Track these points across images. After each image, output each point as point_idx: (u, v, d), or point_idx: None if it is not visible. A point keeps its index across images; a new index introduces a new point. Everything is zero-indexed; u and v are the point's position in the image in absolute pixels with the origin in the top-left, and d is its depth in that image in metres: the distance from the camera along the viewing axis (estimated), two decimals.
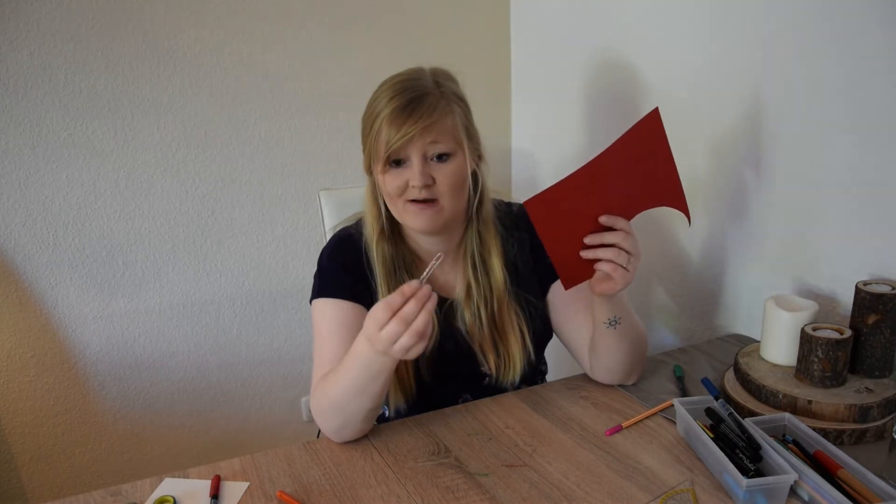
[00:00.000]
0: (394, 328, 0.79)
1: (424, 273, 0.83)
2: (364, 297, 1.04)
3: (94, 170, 1.55)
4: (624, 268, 0.90)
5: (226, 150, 1.68)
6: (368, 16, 1.75)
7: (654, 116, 0.87)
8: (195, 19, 1.57)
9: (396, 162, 0.97)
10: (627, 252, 0.89)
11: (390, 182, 0.98)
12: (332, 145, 1.80)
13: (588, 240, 0.90)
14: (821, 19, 1.11)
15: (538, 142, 1.96)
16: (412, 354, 0.81)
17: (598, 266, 0.91)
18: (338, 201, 1.38)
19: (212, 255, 1.73)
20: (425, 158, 0.97)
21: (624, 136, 0.86)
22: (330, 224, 1.37)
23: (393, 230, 1.07)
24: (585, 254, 0.90)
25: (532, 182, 1.99)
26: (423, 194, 0.97)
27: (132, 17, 1.51)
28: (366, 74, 1.74)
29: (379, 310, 0.80)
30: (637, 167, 0.89)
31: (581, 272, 0.94)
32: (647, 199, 0.93)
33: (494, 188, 1.11)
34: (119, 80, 1.53)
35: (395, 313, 0.79)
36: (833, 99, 1.11)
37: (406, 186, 0.97)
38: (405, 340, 0.79)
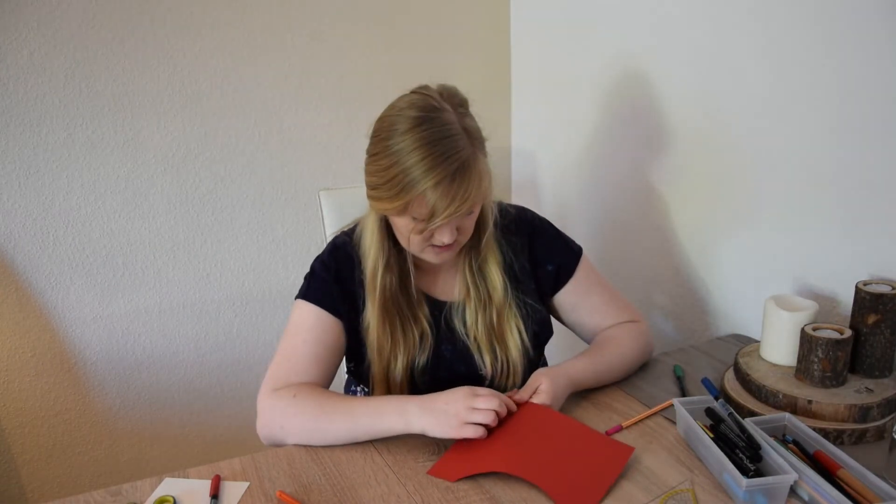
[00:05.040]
0: (492, 402, 0.90)
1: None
2: (347, 313, 1.05)
3: (94, 170, 1.55)
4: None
5: (226, 150, 1.68)
6: (368, 16, 1.75)
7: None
8: (195, 19, 1.57)
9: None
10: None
11: (416, 235, 0.96)
12: (332, 145, 1.80)
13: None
14: (817, 19, 1.11)
15: (538, 142, 1.96)
16: (468, 430, 0.88)
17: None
18: (338, 201, 1.38)
19: (212, 255, 1.73)
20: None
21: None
22: (330, 224, 1.37)
23: (398, 257, 1.06)
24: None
25: (532, 182, 1.99)
26: (448, 243, 0.97)
27: (132, 17, 1.51)
28: (366, 74, 1.75)
29: (487, 391, 0.92)
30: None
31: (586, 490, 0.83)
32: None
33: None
34: (119, 79, 1.53)
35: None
36: (833, 99, 1.11)
37: (431, 236, 0.97)
38: (483, 415, 0.89)
